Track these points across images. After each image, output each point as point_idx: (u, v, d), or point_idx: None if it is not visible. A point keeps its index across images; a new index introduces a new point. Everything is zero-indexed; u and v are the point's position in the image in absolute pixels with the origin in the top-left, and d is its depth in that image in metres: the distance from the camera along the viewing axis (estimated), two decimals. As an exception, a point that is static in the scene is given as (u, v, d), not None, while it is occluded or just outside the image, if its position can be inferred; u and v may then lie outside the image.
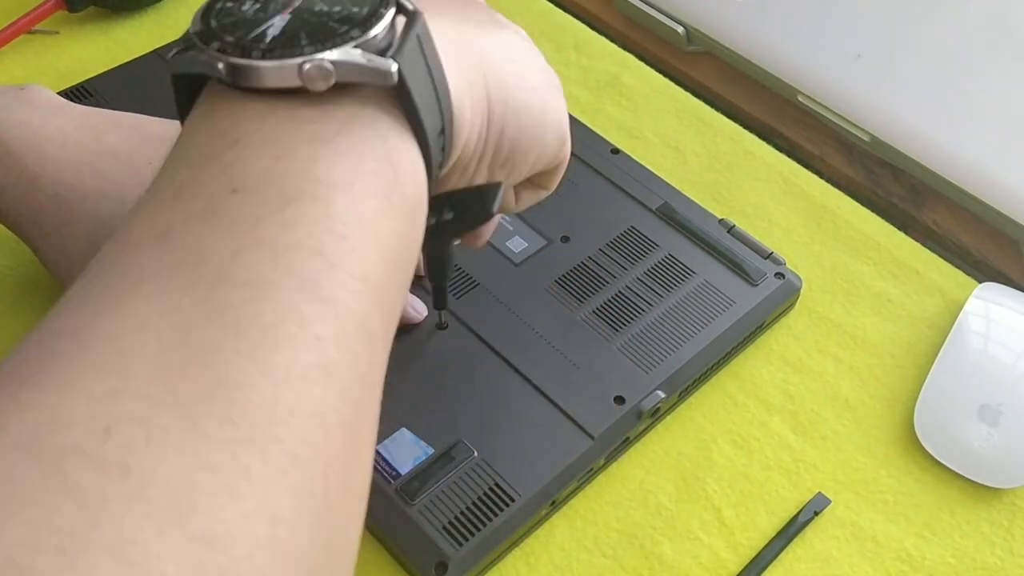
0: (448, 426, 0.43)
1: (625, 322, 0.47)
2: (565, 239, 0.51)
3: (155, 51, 0.60)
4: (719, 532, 0.44)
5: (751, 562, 0.43)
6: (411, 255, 0.28)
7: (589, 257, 0.50)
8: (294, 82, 0.25)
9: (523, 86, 0.33)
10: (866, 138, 0.59)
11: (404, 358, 0.46)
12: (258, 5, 0.27)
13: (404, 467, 0.42)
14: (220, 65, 0.26)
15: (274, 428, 0.21)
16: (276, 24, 0.26)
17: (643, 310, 0.48)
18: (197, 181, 0.24)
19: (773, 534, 0.43)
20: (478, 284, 0.49)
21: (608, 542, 0.43)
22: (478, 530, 0.40)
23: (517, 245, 0.50)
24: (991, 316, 0.50)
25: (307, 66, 0.25)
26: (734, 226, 0.52)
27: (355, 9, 0.27)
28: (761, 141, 0.60)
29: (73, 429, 0.20)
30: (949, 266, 0.54)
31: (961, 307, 0.50)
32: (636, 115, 0.61)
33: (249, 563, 0.20)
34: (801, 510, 0.44)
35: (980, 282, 0.52)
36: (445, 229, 0.33)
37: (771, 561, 0.43)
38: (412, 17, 0.28)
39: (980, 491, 0.45)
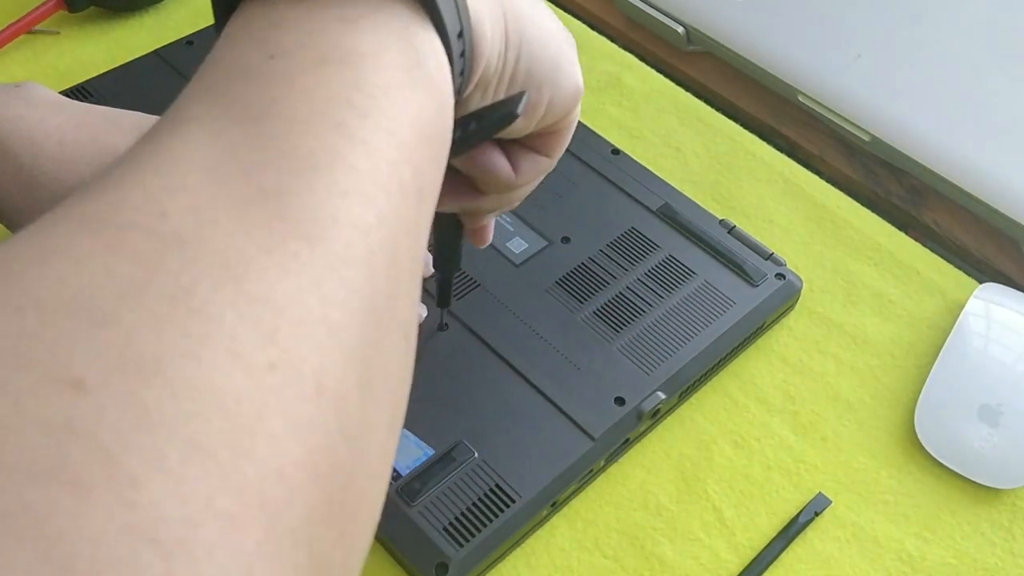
0: (449, 427, 0.43)
1: (625, 323, 0.47)
2: (565, 240, 0.51)
3: (155, 51, 0.59)
4: (720, 533, 0.44)
5: (752, 562, 0.43)
6: (440, 137, 0.29)
7: (589, 258, 0.50)
8: None
9: (539, 24, 0.35)
10: (866, 138, 0.59)
11: (405, 359, 0.46)
12: None
13: (405, 468, 0.42)
14: None
15: (319, 229, 0.23)
16: None
17: (643, 311, 0.48)
18: (236, 55, 0.27)
19: (774, 534, 0.44)
20: (479, 285, 0.49)
21: (609, 543, 0.43)
22: (479, 531, 0.40)
23: (517, 246, 0.50)
24: (991, 316, 0.50)
25: None
26: (735, 227, 0.52)
27: None
28: (761, 141, 0.60)
29: (132, 212, 0.21)
30: (949, 266, 0.54)
31: (961, 307, 0.50)
32: (636, 115, 0.61)
33: (304, 328, 0.21)
34: (802, 510, 0.44)
35: (980, 282, 0.52)
36: (472, 136, 0.34)
37: (772, 561, 0.43)
38: None
39: (980, 491, 0.45)
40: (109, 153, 0.44)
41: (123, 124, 0.45)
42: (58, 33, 0.63)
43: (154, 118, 0.46)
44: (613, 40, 0.66)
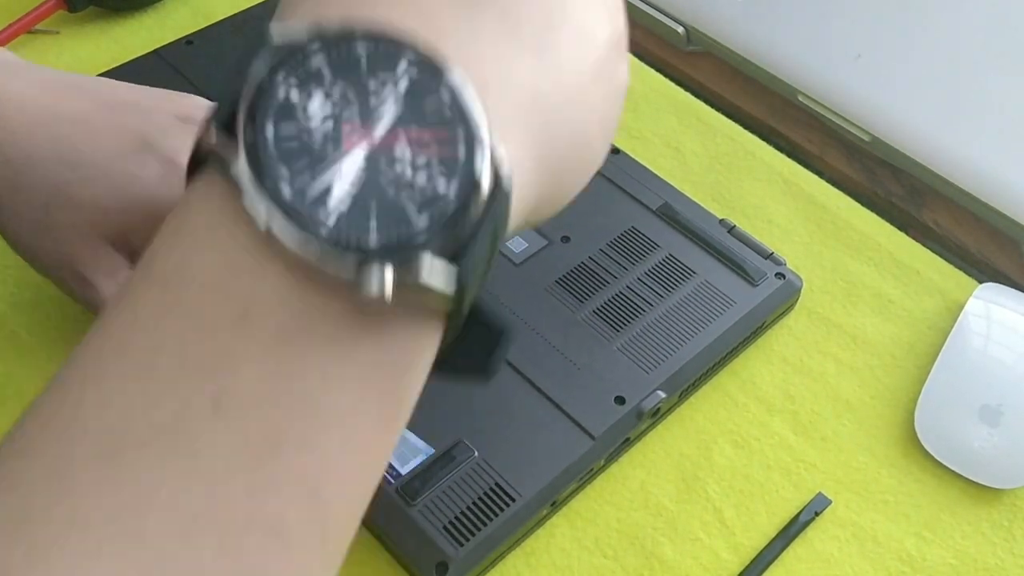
0: (449, 426, 0.43)
1: (625, 322, 0.47)
2: (565, 239, 0.51)
3: (155, 51, 0.59)
4: (720, 533, 0.44)
5: (752, 562, 0.43)
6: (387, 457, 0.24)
7: (589, 257, 0.50)
8: (349, 277, 0.20)
9: (577, 143, 0.27)
10: (866, 138, 0.59)
11: (404, 358, 0.46)
12: (331, 120, 0.20)
13: (405, 467, 0.42)
14: (267, 211, 0.20)
15: None
16: (344, 175, 0.20)
17: (643, 310, 0.48)
18: (181, 364, 0.20)
19: (774, 534, 0.44)
20: (478, 284, 0.49)
21: (609, 542, 0.43)
22: (479, 530, 0.40)
23: (517, 245, 0.50)
24: (992, 317, 0.50)
25: (368, 274, 0.20)
26: (734, 226, 0.52)
27: (440, 187, 0.21)
28: (761, 141, 0.60)
29: None
30: (950, 266, 0.54)
31: (961, 307, 0.50)
32: (636, 115, 0.61)
33: None
34: (802, 510, 0.44)
35: (980, 282, 0.52)
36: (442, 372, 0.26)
37: (772, 561, 0.43)
38: (498, 188, 0.21)
39: (981, 491, 0.45)
40: (68, 119, 0.43)
41: (87, 88, 0.44)
42: (58, 33, 0.63)
43: (122, 85, 0.45)
44: (613, 40, 0.66)
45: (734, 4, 0.64)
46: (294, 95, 0.21)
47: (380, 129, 0.21)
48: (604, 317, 0.48)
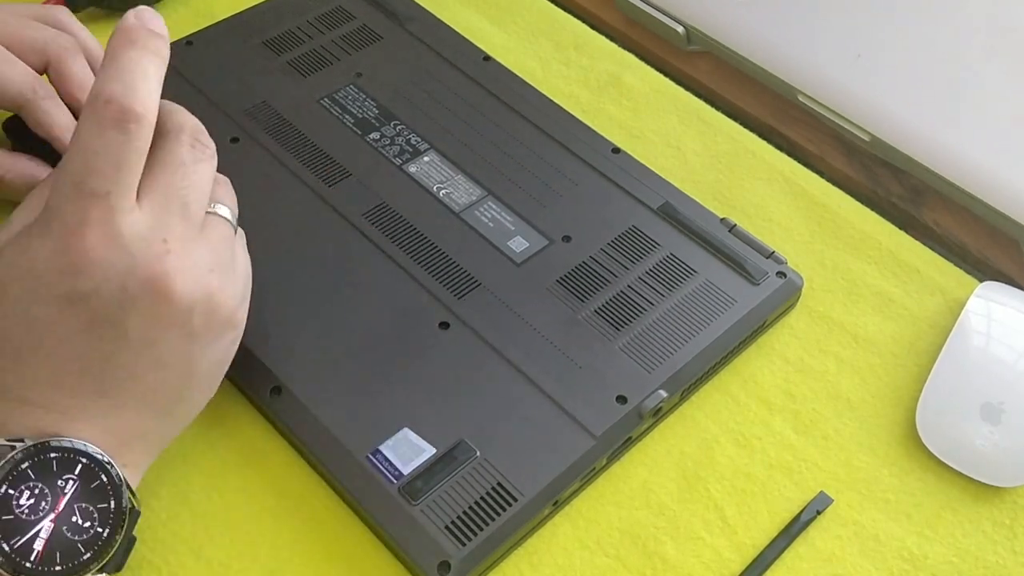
0: (450, 426, 0.43)
1: (627, 321, 0.47)
2: (566, 239, 0.51)
3: (155, 51, 0.59)
4: (722, 531, 0.44)
5: (754, 561, 0.43)
6: None
7: (590, 256, 0.50)
8: None
9: (188, 414, 0.41)
10: (866, 138, 0.59)
11: (406, 358, 0.46)
12: (32, 501, 0.35)
13: (406, 467, 0.42)
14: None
15: None
16: (42, 535, 0.34)
17: (645, 309, 0.48)
18: None
19: (776, 533, 0.44)
20: (479, 284, 0.49)
21: (611, 542, 0.43)
22: (481, 530, 0.40)
23: (518, 245, 0.50)
24: (992, 315, 0.50)
25: None
26: (735, 225, 0.52)
27: (100, 530, 0.35)
28: (762, 141, 0.60)
29: None
30: (950, 265, 0.54)
31: (962, 306, 0.50)
32: (637, 115, 0.61)
33: None
34: (803, 509, 0.44)
35: (981, 281, 0.52)
36: None
37: (774, 560, 0.43)
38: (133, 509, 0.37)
39: (982, 490, 0.45)
40: None
41: None
42: (58, 33, 0.63)
43: None
44: (613, 40, 0.66)
45: (734, 4, 0.64)
46: (9, 491, 0.34)
47: (62, 505, 0.35)
48: (605, 316, 0.48)
